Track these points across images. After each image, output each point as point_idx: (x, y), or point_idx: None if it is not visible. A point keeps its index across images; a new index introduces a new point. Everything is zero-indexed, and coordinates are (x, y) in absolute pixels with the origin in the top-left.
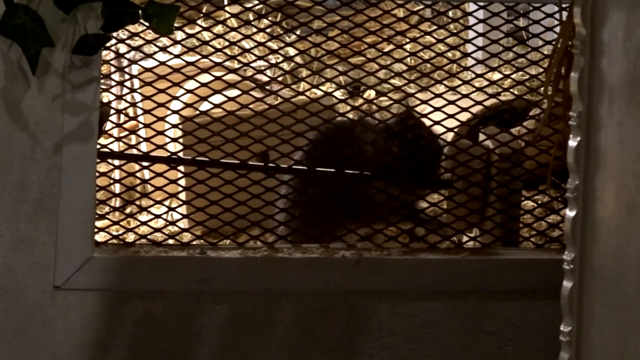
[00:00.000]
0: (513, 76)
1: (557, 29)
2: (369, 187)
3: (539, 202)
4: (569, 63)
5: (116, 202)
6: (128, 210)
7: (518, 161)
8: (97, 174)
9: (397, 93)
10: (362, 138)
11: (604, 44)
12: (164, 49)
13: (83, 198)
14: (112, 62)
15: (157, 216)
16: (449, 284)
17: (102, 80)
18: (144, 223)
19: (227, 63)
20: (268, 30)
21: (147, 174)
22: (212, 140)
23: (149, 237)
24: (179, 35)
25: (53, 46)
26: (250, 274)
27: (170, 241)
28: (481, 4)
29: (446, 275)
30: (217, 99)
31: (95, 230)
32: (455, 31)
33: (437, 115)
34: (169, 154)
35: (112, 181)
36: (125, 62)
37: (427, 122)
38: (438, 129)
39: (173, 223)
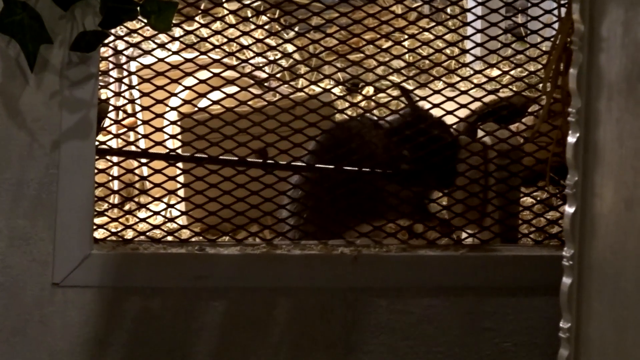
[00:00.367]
0: (512, 73)
1: (556, 26)
2: (385, 187)
3: (538, 198)
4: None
5: (115, 199)
6: (127, 207)
7: (517, 158)
8: (96, 171)
9: (396, 89)
10: (373, 136)
11: (602, 40)
12: (162, 46)
13: (81, 195)
14: (110, 58)
15: (156, 213)
16: (447, 280)
17: (100, 77)
18: (143, 220)
19: (226, 60)
20: (266, 27)
21: (145, 171)
22: (210, 137)
23: (147, 234)
24: (177, 32)
25: (51, 43)
26: (249, 270)
27: (169, 238)
28: (480, 0)
29: (445, 272)
30: (216, 95)
31: (94, 227)
32: (453, 28)
33: (436, 112)
34: (167, 150)
35: (110, 178)
36: (123, 59)
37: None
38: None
39: (172, 220)
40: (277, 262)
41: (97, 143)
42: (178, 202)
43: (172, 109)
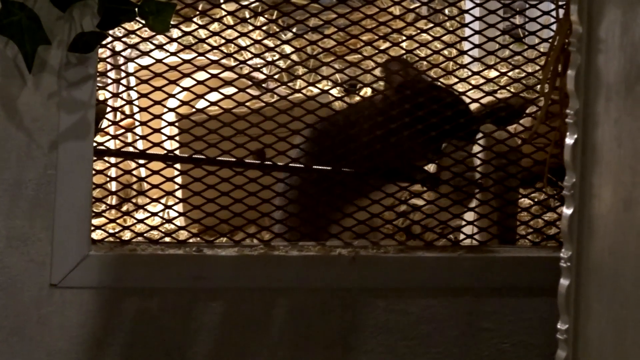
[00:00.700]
0: (509, 74)
1: (554, 27)
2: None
3: (536, 199)
4: (566, 60)
5: (112, 200)
6: (124, 208)
7: (515, 159)
8: (94, 172)
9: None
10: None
11: (600, 41)
12: (160, 47)
13: (79, 196)
14: (108, 59)
15: (154, 214)
16: (445, 281)
17: (98, 78)
18: (141, 221)
19: (224, 61)
20: (264, 28)
21: (143, 172)
22: (208, 138)
23: (145, 234)
24: (175, 32)
25: (49, 44)
26: (247, 271)
27: (167, 239)
28: (477, 1)
29: (442, 273)
30: (214, 96)
31: (92, 228)
32: (451, 29)
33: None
34: (165, 151)
35: (108, 179)
36: (121, 60)
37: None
38: None
39: (169, 221)
40: (274, 263)
41: (95, 144)
42: (176, 203)
43: (170, 109)
